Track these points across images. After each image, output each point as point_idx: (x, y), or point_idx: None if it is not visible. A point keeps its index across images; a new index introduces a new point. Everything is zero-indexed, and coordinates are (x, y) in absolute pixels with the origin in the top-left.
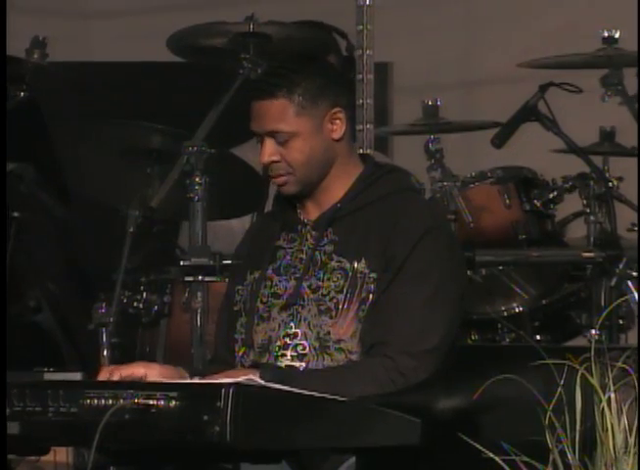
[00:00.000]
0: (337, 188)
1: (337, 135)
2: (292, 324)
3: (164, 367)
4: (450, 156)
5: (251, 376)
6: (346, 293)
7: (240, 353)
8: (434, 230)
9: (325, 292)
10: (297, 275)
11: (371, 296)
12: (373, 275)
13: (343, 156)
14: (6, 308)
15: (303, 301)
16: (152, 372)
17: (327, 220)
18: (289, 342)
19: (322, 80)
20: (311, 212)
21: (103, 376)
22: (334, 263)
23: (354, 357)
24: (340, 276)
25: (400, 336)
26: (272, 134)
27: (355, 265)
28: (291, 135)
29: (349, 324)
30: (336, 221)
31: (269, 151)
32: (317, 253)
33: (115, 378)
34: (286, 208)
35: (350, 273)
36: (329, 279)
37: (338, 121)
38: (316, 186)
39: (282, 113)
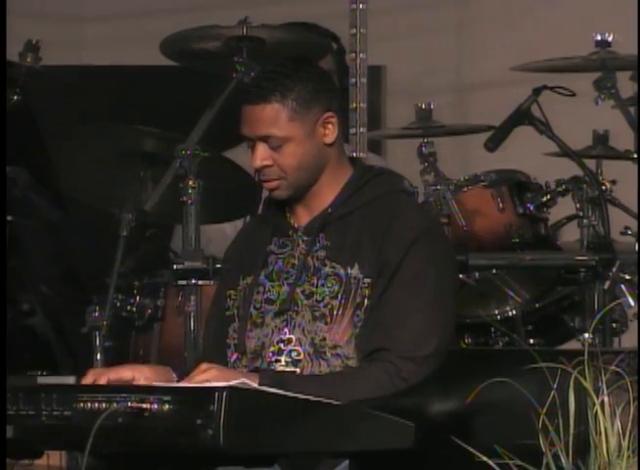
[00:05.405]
0: (327, 193)
1: (329, 140)
2: (286, 330)
3: (153, 368)
4: (443, 159)
5: (244, 379)
6: (341, 299)
7: (232, 359)
8: (427, 232)
9: (319, 298)
10: (290, 281)
11: (366, 301)
12: (367, 280)
13: (334, 160)
14: (6, 311)
15: (297, 306)
16: (139, 374)
17: (318, 226)
18: (283, 347)
19: (315, 85)
20: (302, 217)
21: (89, 379)
22: (327, 269)
23: (351, 363)
24: (334, 282)
25: (400, 342)
26: (265, 139)
27: (349, 271)
28: (284, 140)
29: (345, 330)
30: (327, 226)
31: (262, 155)
32: (309, 258)
33: (102, 382)
34: (276, 212)
35: (344, 279)
36: (323, 285)
37: (330, 126)
38: (307, 190)
39: (275, 117)
